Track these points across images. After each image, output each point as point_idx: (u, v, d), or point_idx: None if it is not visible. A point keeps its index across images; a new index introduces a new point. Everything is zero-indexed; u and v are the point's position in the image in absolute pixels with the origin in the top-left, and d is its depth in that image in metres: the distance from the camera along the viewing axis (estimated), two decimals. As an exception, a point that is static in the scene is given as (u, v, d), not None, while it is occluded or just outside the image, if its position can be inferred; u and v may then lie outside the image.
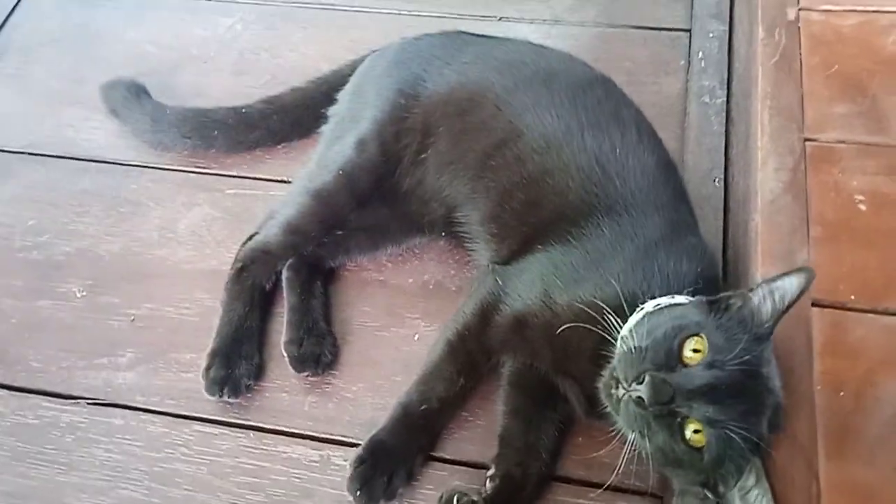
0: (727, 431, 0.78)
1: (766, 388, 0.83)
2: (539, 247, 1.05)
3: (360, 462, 1.02)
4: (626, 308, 0.89)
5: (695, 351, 0.81)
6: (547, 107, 1.10)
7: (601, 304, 0.90)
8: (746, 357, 0.80)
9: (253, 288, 1.20)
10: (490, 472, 1.02)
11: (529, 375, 1.06)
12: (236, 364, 1.13)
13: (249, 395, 1.14)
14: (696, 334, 0.82)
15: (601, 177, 1.04)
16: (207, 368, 1.13)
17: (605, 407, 0.88)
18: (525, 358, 1.06)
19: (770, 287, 0.83)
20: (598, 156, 1.05)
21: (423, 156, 1.18)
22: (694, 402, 0.79)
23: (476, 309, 1.06)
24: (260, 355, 1.17)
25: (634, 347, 0.83)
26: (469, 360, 1.07)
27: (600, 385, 0.87)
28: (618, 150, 1.06)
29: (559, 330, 0.94)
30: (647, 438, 0.82)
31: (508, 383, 1.08)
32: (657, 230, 1.00)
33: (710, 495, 0.85)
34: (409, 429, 1.05)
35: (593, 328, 0.89)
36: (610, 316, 0.88)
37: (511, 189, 1.09)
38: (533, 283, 1.02)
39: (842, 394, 0.86)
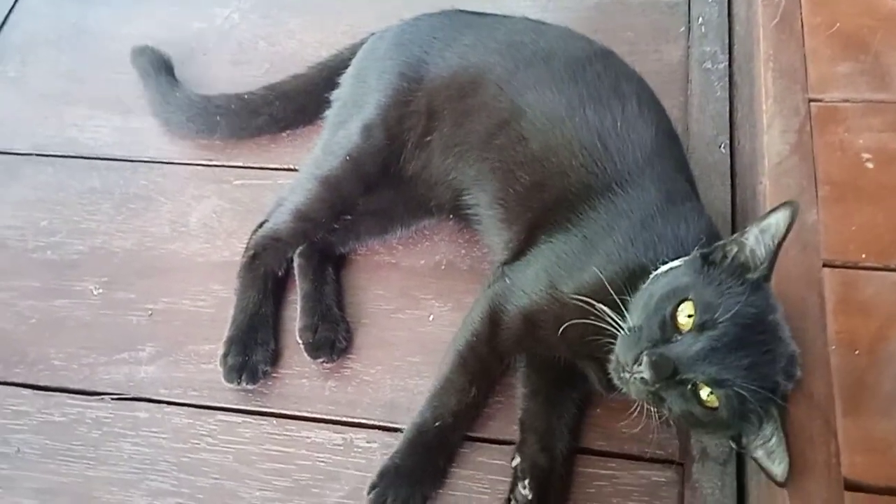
0: (735, 389, 0.79)
1: (775, 336, 0.82)
2: (543, 237, 1.04)
3: (372, 488, 1.01)
4: (634, 282, 0.89)
5: (689, 316, 0.81)
6: (547, 85, 1.10)
7: (607, 285, 0.90)
8: (743, 308, 0.80)
9: (265, 275, 1.21)
10: (516, 462, 1.02)
11: (547, 357, 1.06)
12: (253, 351, 1.15)
13: (268, 380, 1.15)
14: (686, 299, 0.82)
15: (602, 154, 1.04)
16: (224, 356, 1.14)
17: None
18: (540, 352, 1.06)
19: (759, 227, 0.82)
20: (600, 131, 1.05)
21: (427, 139, 1.18)
22: (697, 367, 0.79)
23: (484, 314, 1.06)
24: (276, 341, 1.18)
25: (630, 328, 0.84)
26: (481, 367, 1.07)
27: (611, 370, 0.88)
28: (619, 125, 1.05)
29: (569, 322, 0.93)
30: (667, 409, 0.83)
31: (527, 365, 1.09)
32: (653, 202, 1.00)
33: (734, 445, 0.87)
34: (424, 449, 1.04)
35: (603, 309, 0.88)
36: (617, 294, 0.88)
37: (515, 169, 1.09)
38: (538, 278, 1.01)
39: (857, 352, 0.87)
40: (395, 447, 1.04)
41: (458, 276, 1.24)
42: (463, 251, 1.26)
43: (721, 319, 0.79)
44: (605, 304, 0.88)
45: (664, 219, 0.98)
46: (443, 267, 1.25)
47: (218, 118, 1.40)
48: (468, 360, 1.07)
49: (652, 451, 1.03)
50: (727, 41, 1.46)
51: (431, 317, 1.20)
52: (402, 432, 1.07)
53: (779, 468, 0.80)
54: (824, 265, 0.94)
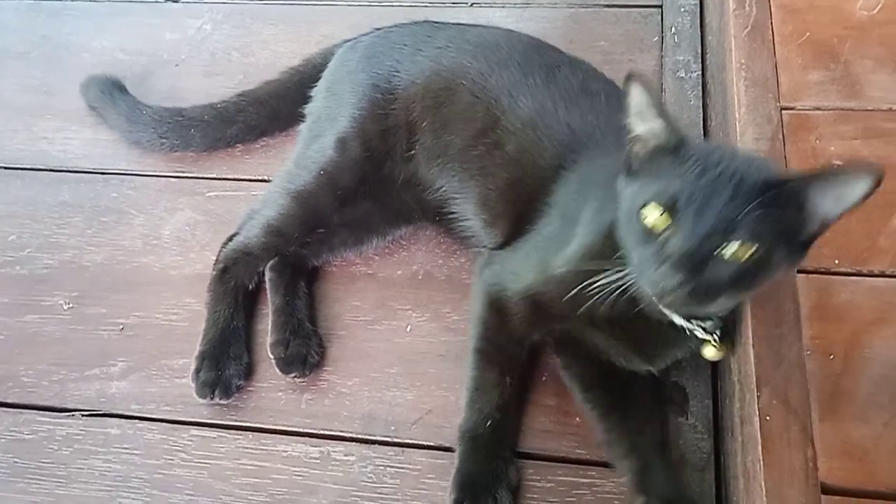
0: (747, 216, 0.77)
1: (732, 160, 0.81)
2: (526, 226, 1.06)
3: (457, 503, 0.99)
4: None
5: (660, 214, 0.80)
6: (522, 88, 1.11)
7: (593, 246, 0.92)
8: (688, 172, 0.80)
9: (236, 289, 1.20)
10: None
11: (593, 371, 1.05)
12: (225, 365, 1.13)
13: (243, 394, 1.14)
14: (641, 207, 0.82)
15: (570, 139, 1.07)
16: (197, 371, 1.13)
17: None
18: (559, 328, 1.04)
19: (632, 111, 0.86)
20: (570, 122, 1.08)
21: (411, 152, 1.18)
22: (704, 239, 0.77)
23: (486, 305, 1.06)
24: (249, 355, 1.17)
25: (633, 266, 0.84)
26: (505, 356, 1.05)
27: (661, 308, 0.88)
28: (588, 116, 1.08)
29: (572, 292, 0.91)
30: (723, 296, 0.82)
31: (581, 390, 1.07)
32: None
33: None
34: (486, 450, 1.02)
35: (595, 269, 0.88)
36: (610, 251, 0.88)
37: (496, 172, 1.11)
38: (528, 258, 1.03)
39: (832, 357, 0.88)
40: (455, 460, 1.01)
41: (436, 286, 1.23)
42: (440, 261, 1.26)
43: (678, 193, 0.79)
44: (601, 263, 0.87)
45: None
46: (420, 277, 1.25)
47: (192, 130, 1.39)
48: (490, 354, 1.06)
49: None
50: (700, 50, 1.48)
51: (409, 327, 1.19)
52: (379, 444, 1.06)
53: (865, 181, 0.74)
54: (799, 272, 0.95)
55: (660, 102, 0.84)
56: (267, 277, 1.22)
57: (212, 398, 1.11)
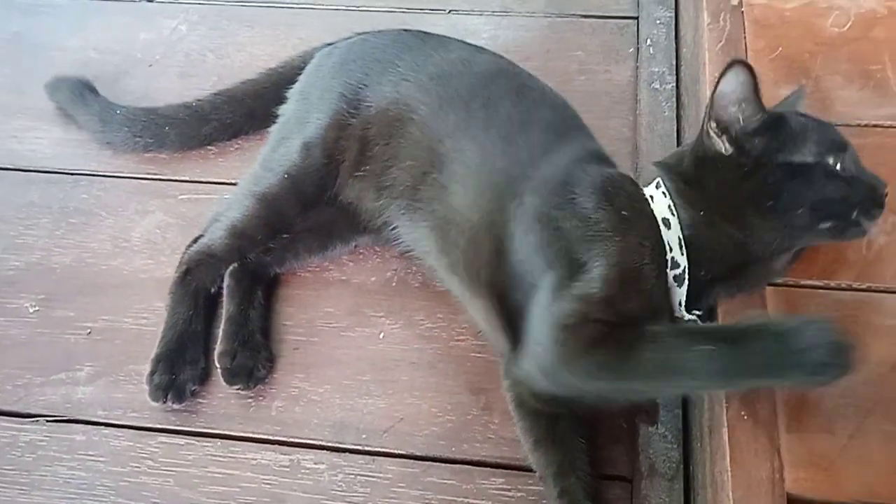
0: None
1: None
2: (519, 296, 0.99)
3: None
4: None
5: None
6: (463, 130, 1.09)
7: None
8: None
9: (197, 291, 1.18)
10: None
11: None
12: (181, 369, 1.12)
13: (213, 400, 1.12)
14: None
15: (512, 177, 1.03)
16: (151, 374, 1.11)
17: None
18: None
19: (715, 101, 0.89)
20: (509, 168, 1.04)
21: (361, 171, 1.16)
22: None
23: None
24: (206, 359, 1.15)
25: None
26: (544, 423, 1.02)
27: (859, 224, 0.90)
28: (526, 153, 1.05)
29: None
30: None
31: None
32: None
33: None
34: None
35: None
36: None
37: (441, 210, 1.08)
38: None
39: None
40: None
41: (410, 292, 1.23)
42: (414, 268, 1.25)
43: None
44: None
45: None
46: (394, 284, 1.24)
47: (167, 129, 1.37)
48: (537, 436, 1.02)
49: (602, 468, 1.03)
50: (675, 62, 1.49)
51: (382, 334, 1.19)
52: (350, 452, 1.06)
53: None
54: (767, 284, 0.96)
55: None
56: (225, 284, 1.20)
57: (164, 402, 1.10)
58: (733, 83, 0.86)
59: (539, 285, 0.94)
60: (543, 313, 0.92)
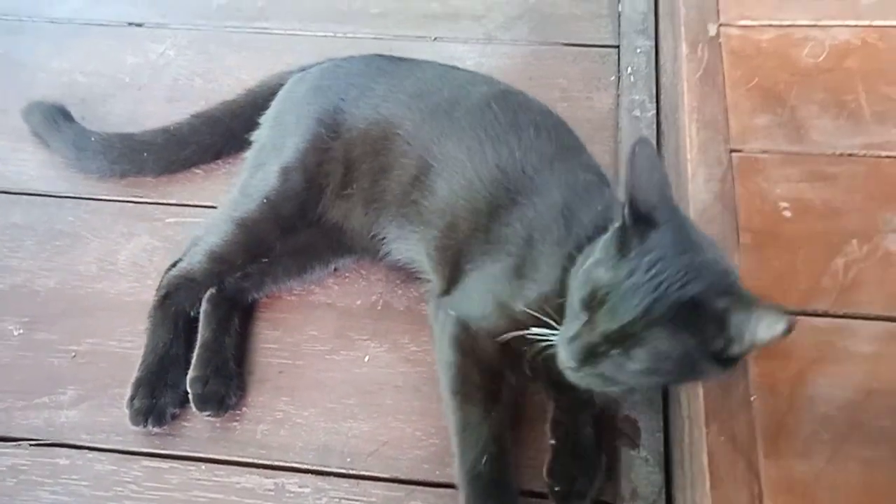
0: (658, 337, 0.79)
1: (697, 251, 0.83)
2: (468, 266, 1.08)
3: None
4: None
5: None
6: (449, 135, 1.14)
7: (549, 294, 0.94)
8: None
9: (177, 315, 1.19)
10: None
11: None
12: (161, 393, 1.12)
13: (197, 424, 1.12)
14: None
15: (503, 180, 1.09)
16: (131, 399, 1.11)
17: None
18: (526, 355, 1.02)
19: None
20: (499, 163, 1.10)
21: (348, 191, 1.19)
22: (613, 342, 0.80)
23: (452, 347, 1.05)
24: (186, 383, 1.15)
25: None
26: (484, 392, 1.03)
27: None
28: (516, 153, 1.10)
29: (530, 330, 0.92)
30: (621, 384, 0.85)
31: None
32: (558, 200, 1.05)
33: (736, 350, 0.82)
34: (491, 487, 0.99)
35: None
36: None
37: (431, 218, 1.13)
38: (483, 300, 1.04)
39: (776, 395, 0.91)
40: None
41: (395, 316, 1.24)
42: (399, 291, 1.26)
43: (603, 287, 0.81)
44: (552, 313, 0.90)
45: (575, 208, 1.03)
46: (379, 307, 1.25)
47: (145, 154, 1.37)
48: (468, 393, 1.04)
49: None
50: (654, 91, 1.52)
51: (367, 358, 1.19)
52: (334, 476, 1.06)
53: (779, 326, 0.76)
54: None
55: (633, 178, 0.83)
56: (202, 310, 1.20)
57: (145, 426, 1.09)
58: None
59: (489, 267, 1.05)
60: (482, 292, 1.04)
